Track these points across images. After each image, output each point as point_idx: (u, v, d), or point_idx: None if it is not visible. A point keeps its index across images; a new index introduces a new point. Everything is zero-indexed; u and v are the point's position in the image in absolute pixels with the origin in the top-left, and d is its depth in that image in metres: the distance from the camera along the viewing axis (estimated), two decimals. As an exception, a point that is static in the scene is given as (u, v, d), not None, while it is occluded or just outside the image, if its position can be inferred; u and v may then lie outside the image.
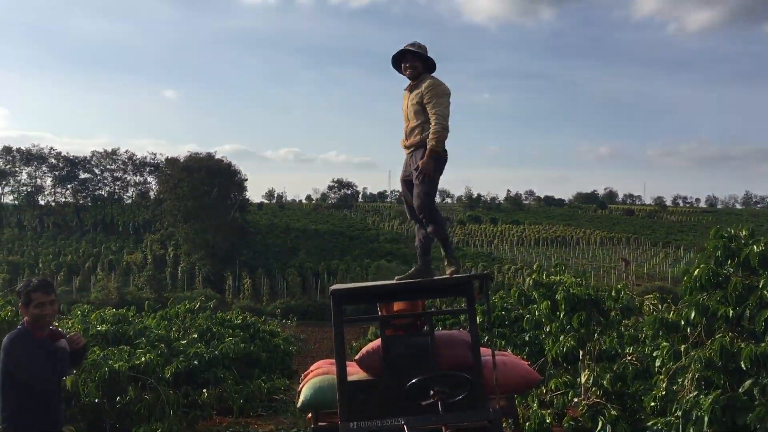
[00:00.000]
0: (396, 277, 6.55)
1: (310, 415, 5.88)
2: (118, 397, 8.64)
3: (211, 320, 15.19)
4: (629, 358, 9.57)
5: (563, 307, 8.95)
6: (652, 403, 6.51)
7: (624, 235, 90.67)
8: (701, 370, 6.01)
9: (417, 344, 5.84)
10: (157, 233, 75.55)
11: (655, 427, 6.59)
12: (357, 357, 5.94)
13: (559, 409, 9.68)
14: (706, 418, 5.81)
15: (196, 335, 13.36)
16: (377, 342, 5.98)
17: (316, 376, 6.15)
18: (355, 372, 6.04)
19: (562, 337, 9.24)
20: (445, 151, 5.63)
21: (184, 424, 8.77)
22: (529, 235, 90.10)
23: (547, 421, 9.77)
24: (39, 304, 4.53)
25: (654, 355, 7.85)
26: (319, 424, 5.72)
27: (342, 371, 5.53)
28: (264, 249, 73.36)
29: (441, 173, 5.67)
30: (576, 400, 9.43)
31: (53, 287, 4.71)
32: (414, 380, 4.81)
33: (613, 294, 8.82)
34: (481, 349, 5.78)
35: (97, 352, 8.93)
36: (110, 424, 8.38)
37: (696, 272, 6.33)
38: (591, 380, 8.88)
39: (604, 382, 8.72)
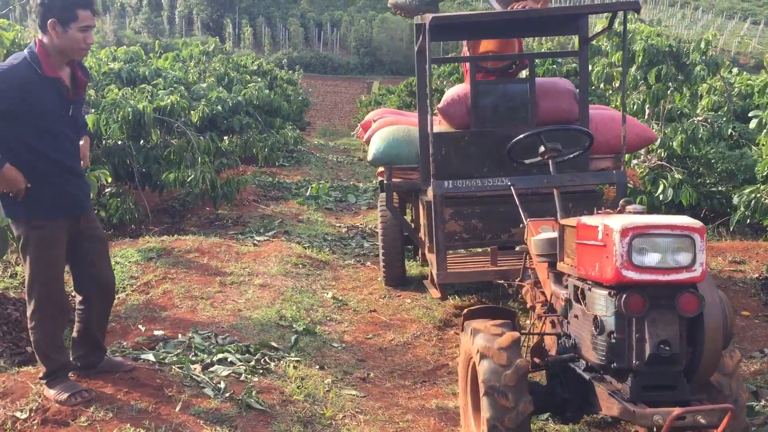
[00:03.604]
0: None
1: (380, 169, 5.14)
2: (142, 141, 7.90)
3: (227, 64, 14.10)
4: (699, 119, 8.76)
5: (640, 59, 7.92)
6: (765, 172, 5.76)
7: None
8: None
9: (513, 92, 4.92)
10: (149, -27, 70.98)
11: (754, 195, 5.92)
12: (440, 105, 5.04)
13: (615, 171, 9.06)
14: (830, 188, 5.08)
15: (213, 79, 12.40)
16: (462, 88, 5.05)
17: (384, 126, 5.32)
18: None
19: (633, 94, 8.34)
20: None
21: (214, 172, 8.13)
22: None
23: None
24: (84, 28, 3.13)
25: (750, 114, 7.03)
26: (394, 180, 4.98)
27: (424, 120, 4.69)
28: (264, -5, 69.55)
29: None
30: (635, 162, 8.78)
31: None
32: (525, 134, 3.95)
33: (701, 46, 7.74)
34: None
35: (115, 91, 8.03)
36: (137, 168, 7.72)
37: None
38: (658, 141, 8.11)
39: (674, 143, 7.96)
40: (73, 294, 3.60)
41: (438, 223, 4.18)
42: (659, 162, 8.29)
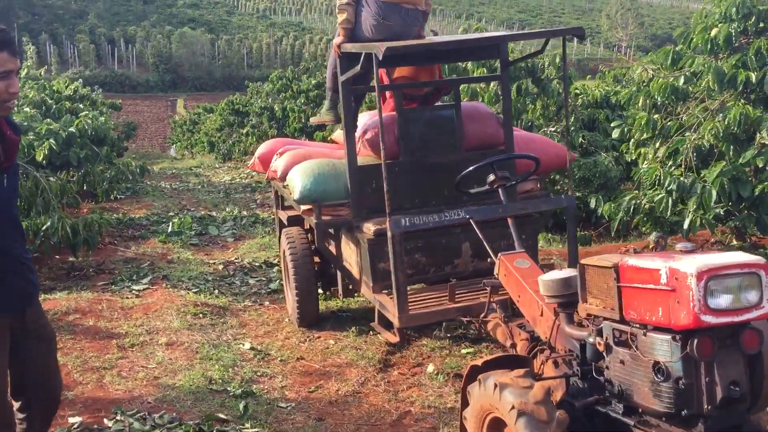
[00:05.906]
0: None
1: (306, 208, 4.78)
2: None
3: (42, 91, 12.69)
4: (550, 130, 9.23)
5: (501, 75, 8.18)
6: (648, 180, 6.12)
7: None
8: (711, 139, 5.61)
9: (439, 118, 4.79)
10: None
11: (633, 202, 6.28)
12: (365, 135, 4.80)
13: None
14: (714, 192, 5.51)
15: (30, 109, 11.09)
16: (385, 116, 4.82)
17: (297, 160, 4.96)
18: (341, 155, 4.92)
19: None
20: None
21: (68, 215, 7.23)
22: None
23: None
24: (3, 74, 2.49)
25: (613, 125, 7.50)
26: (323, 218, 4.65)
27: (353, 152, 4.44)
28: (45, 11, 64.44)
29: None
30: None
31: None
32: (479, 164, 3.88)
33: (556, 61, 8.17)
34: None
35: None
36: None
37: (714, 32, 5.69)
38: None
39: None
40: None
41: (397, 263, 3.93)
42: (522, 172, 8.63)
